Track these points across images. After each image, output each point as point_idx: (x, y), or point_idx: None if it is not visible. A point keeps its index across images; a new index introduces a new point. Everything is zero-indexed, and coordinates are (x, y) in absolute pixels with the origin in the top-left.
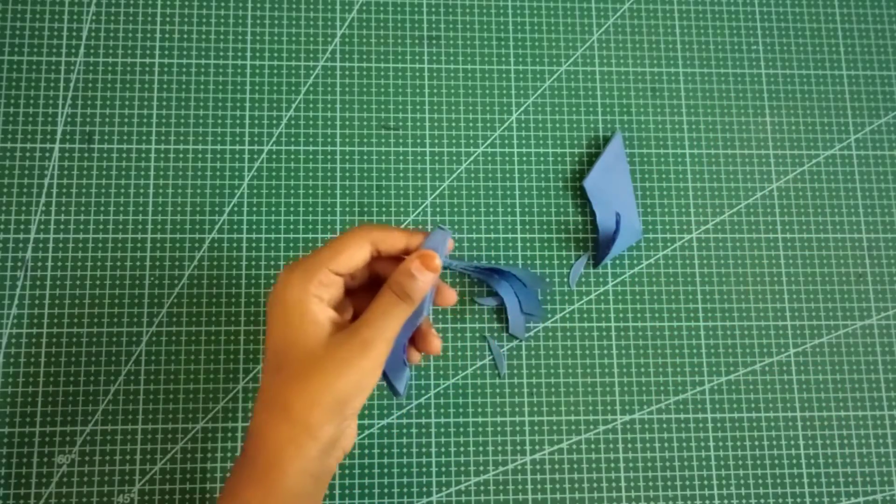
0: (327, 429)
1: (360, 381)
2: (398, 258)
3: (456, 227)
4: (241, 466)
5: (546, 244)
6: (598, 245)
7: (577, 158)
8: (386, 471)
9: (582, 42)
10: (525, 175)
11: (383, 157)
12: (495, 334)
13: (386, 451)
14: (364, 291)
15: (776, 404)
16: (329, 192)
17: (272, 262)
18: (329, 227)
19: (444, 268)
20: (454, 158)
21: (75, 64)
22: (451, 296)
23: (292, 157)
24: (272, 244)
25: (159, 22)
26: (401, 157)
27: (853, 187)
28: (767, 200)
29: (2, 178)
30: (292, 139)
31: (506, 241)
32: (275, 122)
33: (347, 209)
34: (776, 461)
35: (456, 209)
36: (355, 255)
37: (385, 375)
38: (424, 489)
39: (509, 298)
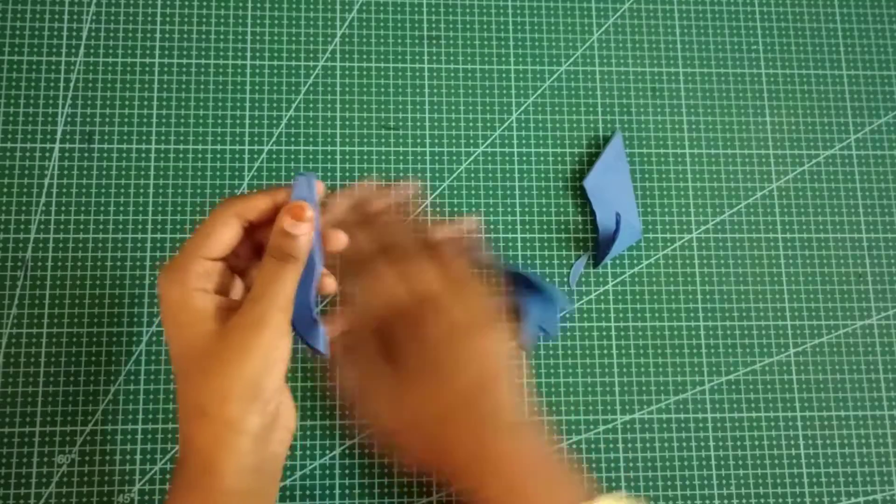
0: (251, 419)
1: (266, 359)
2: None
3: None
4: (177, 475)
5: (546, 244)
6: (598, 245)
7: (577, 158)
8: (386, 471)
9: (582, 42)
10: (525, 175)
11: (383, 157)
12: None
13: (386, 450)
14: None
15: (776, 404)
16: (329, 192)
17: None
18: None
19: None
20: (454, 158)
21: (75, 64)
22: (338, 239)
23: (292, 157)
24: None
25: (159, 22)
26: (401, 157)
27: (853, 187)
28: (767, 200)
29: (2, 178)
30: (292, 139)
31: (506, 241)
32: (275, 122)
33: None
34: (776, 461)
35: (456, 209)
36: (224, 235)
37: (302, 338)
38: (424, 489)
39: (530, 309)
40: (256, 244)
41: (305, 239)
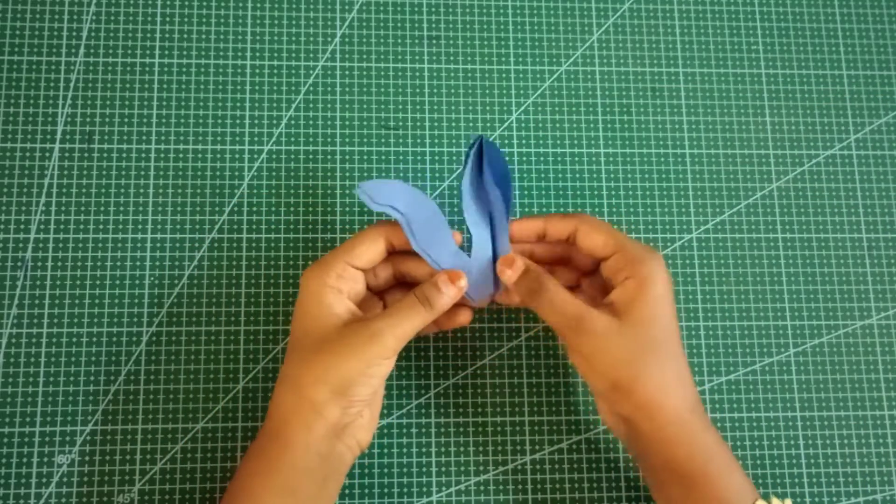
0: (331, 408)
1: (365, 369)
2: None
3: (455, 227)
4: (255, 441)
5: None
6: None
7: (576, 158)
8: (386, 471)
9: (582, 42)
10: (525, 175)
11: (383, 157)
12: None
13: (386, 451)
14: (394, 293)
15: (776, 404)
16: (329, 192)
17: (272, 262)
18: (329, 226)
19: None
20: (454, 158)
21: (75, 64)
22: (464, 317)
23: (292, 157)
24: (272, 244)
25: (159, 22)
26: (401, 157)
27: (853, 187)
28: (767, 200)
29: (2, 178)
30: (292, 139)
31: None
32: (275, 122)
33: (347, 209)
34: (776, 461)
35: (456, 210)
36: (370, 249)
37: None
38: (424, 489)
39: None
40: (398, 274)
41: (449, 301)
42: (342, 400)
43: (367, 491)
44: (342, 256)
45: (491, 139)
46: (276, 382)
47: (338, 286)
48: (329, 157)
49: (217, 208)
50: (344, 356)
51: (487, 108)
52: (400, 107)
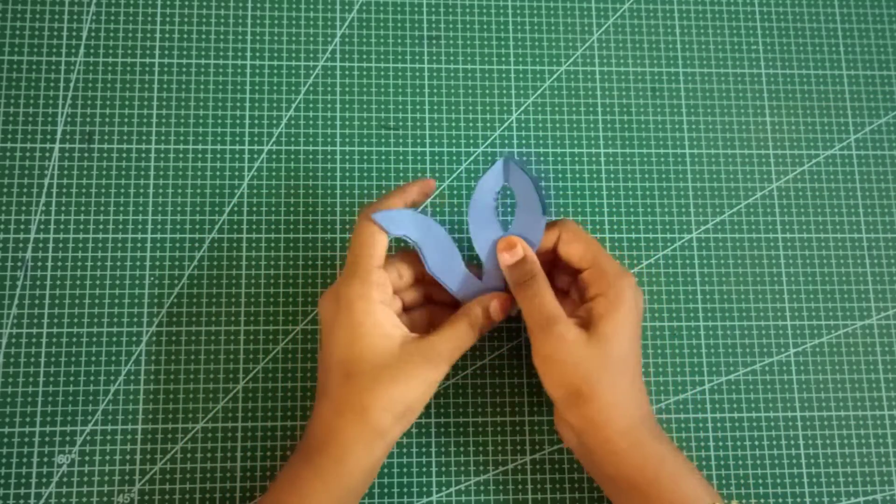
0: (395, 430)
1: (427, 392)
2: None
3: (456, 227)
4: (302, 460)
5: None
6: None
7: (576, 158)
8: (386, 471)
9: (582, 42)
10: None
11: (383, 157)
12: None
13: None
14: (416, 310)
15: (776, 404)
16: (329, 192)
17: (272, 262)
18: (329, 226)
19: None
20: (454, 158)
21: (75, 64)
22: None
23: (292, 157)
24: (272, 244)
25: (159, 22)
26: (401, 157)
27: (853, 187)
28: (767, 200)
29: (2, 178)
30: (292, 139)
31: None
32: (275, 122)
33: (347, 209)
34: (776, 461)
35: (456, 210)
36: (379, 241)
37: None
38: (424, 489)
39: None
40: (426, 294)
41: (493, 325)
42: (403, 421)
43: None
44: (368, 264)
45: (490, 139)
46: (324, 405)
47: (381, 297)
48: (329, 157)
49: (217, 208)
50: (410, 385)
51: (487, 108)
52: (400, 107)
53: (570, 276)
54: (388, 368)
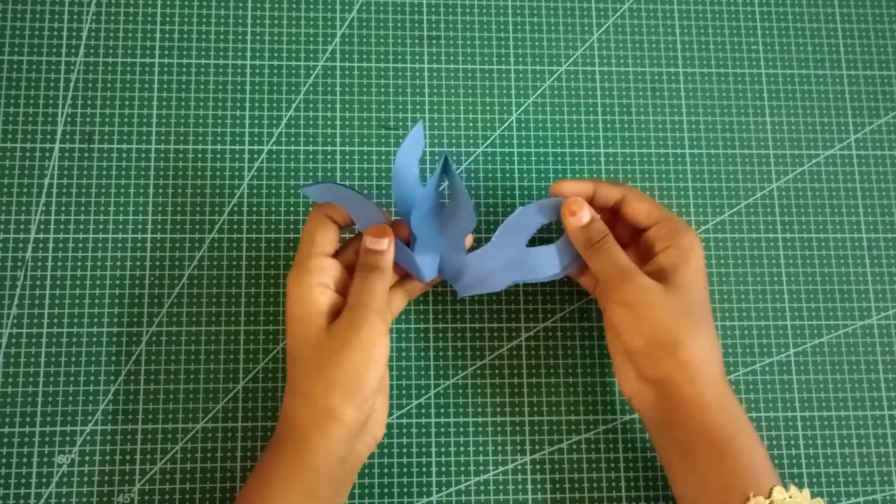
0: (348, 410)
1: (366, 355)
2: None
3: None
4: (272, 446)
5: (546, 244)
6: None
7: (577, 158)
8: (386, 471)
9: (582, 42)
10: (525, 175)
11: (383, 157)
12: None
13: (386, 451)
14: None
15: (776, 404)
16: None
17: (272, 262)
18: None
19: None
20: (454, 158)
21: (75, 64)
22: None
23: (292, 157)
24: (272, 244)
25: (159, 22)
26: None
27: (853, 187)
28: (767, 200)
29: (2, 178)
30: (292, 139)
31: None
32: (275, 122)
33: None
34: (776, 461)
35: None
36: (327, 231)
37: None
38: (424, 489)
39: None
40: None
41: (388, 254)
42: (355, 398)
43: (367, 491)
44: (311, 249)
45: (490, 139)
46: (284, 392)
47: (322, 280)
48: (329, 157)
49: (217, 208)
50: (343, 351)
51: (487, 108)
52: (400, 107)
53: (626, 238)
54: (321, 346)
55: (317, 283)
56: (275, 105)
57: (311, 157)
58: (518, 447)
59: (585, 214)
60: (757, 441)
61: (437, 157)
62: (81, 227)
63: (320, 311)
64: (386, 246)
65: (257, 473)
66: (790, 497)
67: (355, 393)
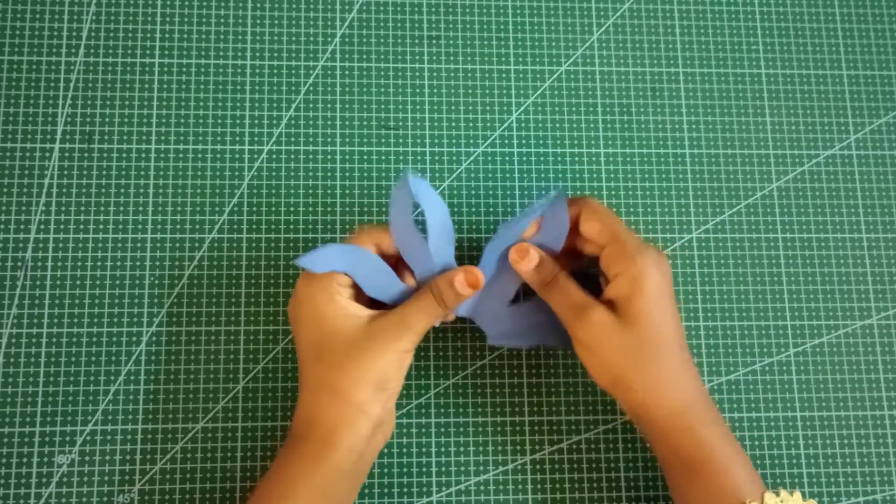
0: (374, 405)
1: (398, 361)
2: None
3: (455, 227)
4: (290, 447)
5: None
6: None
7: (576, 158)
8: (386, 471)
9: (582, 42)
10: (525, 175)
11: (383, 157)
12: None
13: (386, 450)
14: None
15: (776, 404)
16: (329, 192)
17: (272, 262)
18: (329, 227)
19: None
20: (454, 158)
21: (75, 64)
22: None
23: (292, 157)
24: (272, 244)
25: (159, 22)
26: (401, 157)
27: (853, 187)
28: (767, 200)
29: (2, 178)
30: (292, 139)
31: None
32: (275, 122)
33: (347, 209)
34: (776, 461)
35: (456, 210)
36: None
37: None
38: (424, 489)
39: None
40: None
41: (462, 300)
42: (382, 395)
43: (367, 491)
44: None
45: (490, 139)
46: (302, 392)
47: (343, 282)
48: (329, 157)
49: (217, 208)
50: (379, 352)
51: (487, 108)
52: (400, 107)
53: (577, 260)
54: (357, 342)
55: (338, 284)
56: (275, 105)
57: (311, 157)
58: (518, 447)
59: (534, 257)
60: (734, 459)
61: (436, 158)
62: (81, 227)
63: (349, 312)
64: (470, 295)
65: (273, 474)
66: (781, 502)
67: (383, 390)
